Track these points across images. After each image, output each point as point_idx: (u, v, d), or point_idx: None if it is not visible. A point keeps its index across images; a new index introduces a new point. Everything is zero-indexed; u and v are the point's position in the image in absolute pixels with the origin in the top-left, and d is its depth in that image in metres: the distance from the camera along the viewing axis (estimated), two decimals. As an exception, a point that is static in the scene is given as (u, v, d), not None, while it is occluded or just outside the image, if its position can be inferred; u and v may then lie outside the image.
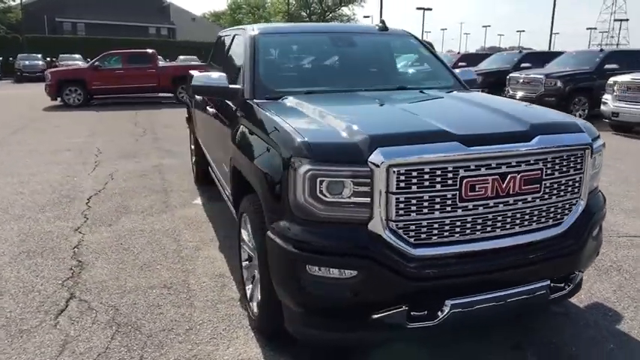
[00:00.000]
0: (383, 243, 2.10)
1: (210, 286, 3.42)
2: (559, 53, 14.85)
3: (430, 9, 52.43)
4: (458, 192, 2.12)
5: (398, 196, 2.06)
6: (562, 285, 2.46)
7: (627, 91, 9.64)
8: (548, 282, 2.35)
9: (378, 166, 2.02)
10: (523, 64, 14.48)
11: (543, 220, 2.34)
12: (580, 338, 2.75)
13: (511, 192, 2.20)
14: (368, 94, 3.04)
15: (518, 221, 2.28)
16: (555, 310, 2.99)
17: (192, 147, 6.34)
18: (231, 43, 4.09)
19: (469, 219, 2.18)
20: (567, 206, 2.40)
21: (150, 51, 16.36)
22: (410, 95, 3.19)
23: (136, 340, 2.77)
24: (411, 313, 2.16)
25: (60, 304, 3.16)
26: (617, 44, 76.85)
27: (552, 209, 2.35)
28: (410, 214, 2.10)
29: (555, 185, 2.31)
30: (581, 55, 13.11)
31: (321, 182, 2.08)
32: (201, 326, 2.91)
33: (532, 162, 2.22)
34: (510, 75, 13.04)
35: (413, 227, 2.12)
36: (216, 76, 3.28)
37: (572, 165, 2.34)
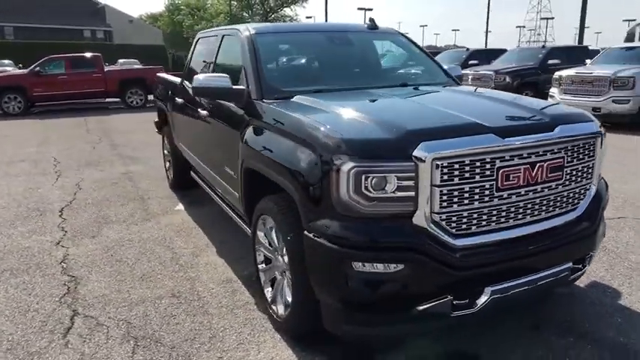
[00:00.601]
0: (427, 235, 2.15)
1: (221, 292, 3.34)
2: (502, 50, 15.63)
3: (371, 9, 53.38)
4: (495, 182, 2.20)
5: (441, 188, 2.11)
6: (580, 266, 2.61)
7: (572, 84, 10.29)
8: (571, 264, 2.50)
9: (423, 160, 2.07)
10: (470, 62, 15.11)
11: (564, 205, 2.48)
12: (589, 315, 2.93)
13: (539, 180, 2.32)
14: (378, 91, 3.08)
15: (544, 207, 2.40)
16: (562, 291, 3.16)
17: (166, 152, 6.15)
18: (220, 44, 4.00)
19: (504, 207, 2.27)
20: (582, 191, 2.56)
21: (95, 54, 15.63)
22: (417, 91, 3.26)
23: (160, 352, 2.67)
24: (454, 302, 2.22)
25: (65, 322, 2.98)
26: (545, 41, 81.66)
27: (571, 195, 2.50)
28: (452, 206, 2.16)
29: (574, 172, 2.46)
30: (525, 51, 13.89)
31: (366, 178, 2.10)
32: (225, 333, 2.84)
33: (556, 151, 2.35)
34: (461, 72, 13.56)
35: (454, 218, 2.18)
36: (218, 78, 3.20)
37: (586, 152, 2.50)
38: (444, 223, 2.16)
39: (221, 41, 4.00)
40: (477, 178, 2.16)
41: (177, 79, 5.28)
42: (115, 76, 15.60)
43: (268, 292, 2.97)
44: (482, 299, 2.25)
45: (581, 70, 10.44)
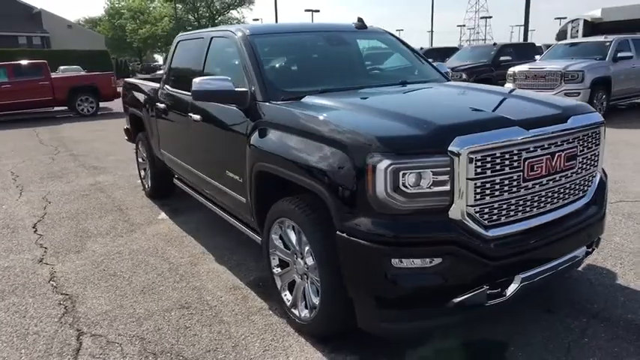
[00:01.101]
0: (463, 228, 2.19)
1: (231, 299, 3.25)
2: (454, 49, 16.18)
3: (318, 10, 53.59)
4: (522, 173, 2.27)
5: (475, 181, 2.16)
6: (590, 249, 2.74)
7: (526, 79, 10.78)
8: (585, 247, 2.62)
9: (458, 154, 2.10)
10: (426, 60, 15.52)
11: (576, 192, 2.60)
12: (594, 296, 3.09)
13: (557, 169, 2.41)
14: (387, 89, 3.10)
15: (561, 195, 2.50)
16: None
17: (141, 160, 5.92)
18: (208, 47, 3.90)
19: (528, 197, 2.35)
20: (590, 178, 2.69)
21: (40, 61, 14.82)
22: (424, 88, 3.30)
23: (184, 366, 2.57)
24: (489, 292, 2.27)
25: (72, 344, 2.81)
26: (485, 39, 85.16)
27: (582, 182, 2.62)
28: (484, 198, 2.21)
29: (585, 160, 2.58)
30: (477, 49, 14.44)
31: (403, 175, 2.11)
32: (247, 341, 2.77)
33: (570, 140, 2.46)
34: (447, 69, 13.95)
35: (486, 210, 2.24)
36: (220, 80, 3.12)
37: (594, 141, 2.63)
38: (477, 215, 2.21)
39: (209, 43, 3.90)
40: (507, 169, 2.23)
41: (155, 84, 5.11)
42: (64, 83, 14.85)
43: (286, 296, 2.92)
44: (513, 287, 2.32)
45: (533, 66, 10.96)
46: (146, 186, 5.84)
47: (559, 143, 2.40)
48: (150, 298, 3.32)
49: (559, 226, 2.48)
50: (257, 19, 56.28)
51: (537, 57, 12.62)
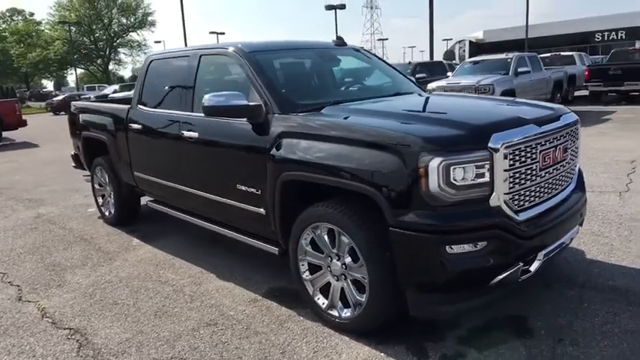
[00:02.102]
0: (501, 213, 2.50)
1: (255, 312, 3.28)
2: (370, 67, 17.13)
3: (223, 33, 53.29)
4: (538, 163, 2.65)
5: (509, 172, 2.49)
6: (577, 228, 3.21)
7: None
8: (578, 226, 3.07)
9: (497, 149, 2.42)
10: (345, 78, 16.25)
11: (568, 179, 3.05)
12: (574, 270, 3.57)
13: (558, 159, 2.84)
14: (392, 99, 3.36)
15: (560, 182, 2.93)
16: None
17: (97, 186, 5.63)
18: (198, 65, 3.91)
19: (542, 184, 2.73)
20: (574, 168, 3.16)
21: None
22: (424, 97, 3.61)
23: (241, 377, 2.58)
24: (522, 269, 2.60)
25: (107, 373, 2.68)
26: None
27: (571, 170, 3.08)
28: (515, 187, 2.55)
29: (572, 151, 3.04)
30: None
31: (453, 170, 2.37)
32: (292, 345, 2.84)
33: (564, 135, 2.90)
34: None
35: (516, 197, 2.57)
36: (233, 95, 3.18)
37: (576, 136, 3.10)
38: (510, 201, 2.53)
39: (199, 61, 3.91)
40: (529, 161, 2.59)
41: (120, 106, 4.95)
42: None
43: (319, 299, 3.03)
44: (537, 263, 2.67)
45: (449, 81, 12.02)
46: (106, 213, 5.55)
47: (559, 138, 2.82)
48: (169, 321, 3.23)
49: (561, 208, 2.89)
50: (159, 42, 54.65)
51: (449, 74, 13.81)
